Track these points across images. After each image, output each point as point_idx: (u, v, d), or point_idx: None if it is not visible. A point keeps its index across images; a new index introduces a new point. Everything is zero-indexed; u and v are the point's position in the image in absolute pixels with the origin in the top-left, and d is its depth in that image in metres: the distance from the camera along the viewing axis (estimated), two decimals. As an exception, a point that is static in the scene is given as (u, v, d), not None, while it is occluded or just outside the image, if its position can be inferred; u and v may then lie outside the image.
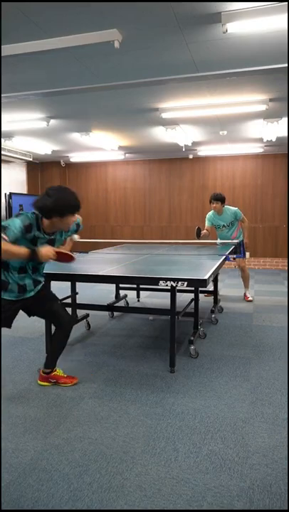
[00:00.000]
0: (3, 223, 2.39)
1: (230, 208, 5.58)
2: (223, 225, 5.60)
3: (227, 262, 4.43)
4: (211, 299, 5.45)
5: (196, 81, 4.41)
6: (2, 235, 2.32)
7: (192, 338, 3.59)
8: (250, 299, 5.76)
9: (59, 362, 3.02)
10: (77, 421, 2.45)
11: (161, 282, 2.89)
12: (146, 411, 2.57)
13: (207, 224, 5.69)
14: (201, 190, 9.74)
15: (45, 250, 2.47)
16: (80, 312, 4.31)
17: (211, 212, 5.68)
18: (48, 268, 3.02)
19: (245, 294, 5.85)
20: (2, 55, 3.58)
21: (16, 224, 2.41)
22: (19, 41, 3.51)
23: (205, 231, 5.49)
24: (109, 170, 10.39)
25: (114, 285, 5.20)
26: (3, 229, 2.35)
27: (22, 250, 2.41)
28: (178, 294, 3.33)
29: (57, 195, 2.48)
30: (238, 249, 5.05)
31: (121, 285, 5.20)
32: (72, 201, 2.52)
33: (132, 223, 10.27)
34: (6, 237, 2.33)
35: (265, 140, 7.44)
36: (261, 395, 2.80)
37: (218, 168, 9.61)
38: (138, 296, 5.71)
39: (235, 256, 5.08)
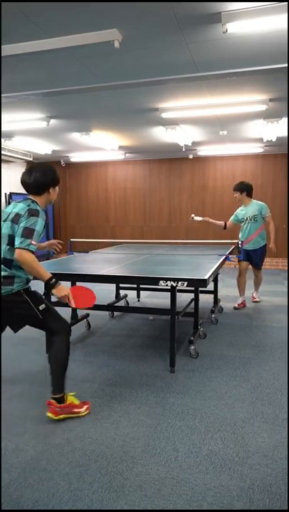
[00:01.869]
0: (33, 228, 2.27)
1: (259, 202, 5.31)
2: (247, 218, 5.24)
3: (227, 262, 4.41)
4: (211, 298, 5.45)
5: (196, 81, 4.41)
6: (32, 243, 2.24)
7: (192, 338, 3.59)
8: (256, 300, 5.68)
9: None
10: (78, 421, 2.45)
11: (161, 282, 2.89)
12: (146, 411, 2.57)
13: (231, 218, 5.43)
14: (201, 190, 9.73)
15: (63, 289, 2.40)
16: (81, 312, 4.31)
17: (240, 207, 5.40)
18: (48, 268, 2.99)
19: (252, 295, 5.74)
20: (2, 55, 3.58)
21: (41, 225, 2.33)
22: (19, 41, 3.51)
23: (221, 222, 5.40)
24: (109, 170, 10.39)
25: (114, 285, 5.20)
26: (32, 235, 2.25)
27: (45, 274, 2.32)
28: (178, 294, 3.33)
29: (46, 166, 2.53)
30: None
31: (121, 285, 5.21)
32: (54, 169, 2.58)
33: (132, 223, 10.27)
34: (34, 243, 2.26)
35: (265, 140, 7.44)
36: (261, 395, 2.80)
37: (218, 168, 9.61)
38: (138, 296, 5.71)
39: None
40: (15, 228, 2.32)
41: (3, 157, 8.55)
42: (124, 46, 3.53)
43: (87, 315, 4.42)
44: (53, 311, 2.49)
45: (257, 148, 8.58)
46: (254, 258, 5.35)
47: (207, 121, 6.36)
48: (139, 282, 4.22)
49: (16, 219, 2.33)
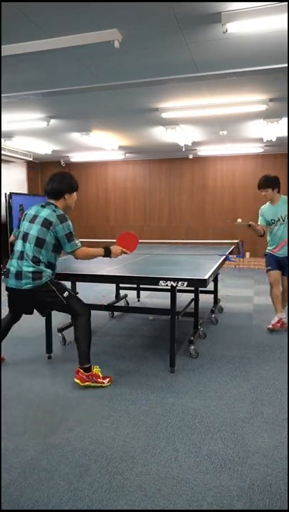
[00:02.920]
0: (70, 231, 2.80)
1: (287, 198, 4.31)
2: (279, 218, 4.25)
3: (227, 262, 4.41)
4: (211, 298, 5.44)
5: (196, 81, 4.41)
6: (77, 242, 2.83)
7: (192, 338, 3.59)
8: (285, 324, 4.28)
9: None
10: (78, 421, 2.45)
11: (161, 282, 2.89)
12: (146, 411, 2.57)
13: (259, 221, 4.39)
14: (201, 190, 9.73)
15: (116, 251, 3.00)
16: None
17: (265, 205, 4.41)
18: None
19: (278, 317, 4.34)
20: (2, 55, 3.58)
21: (72, 226, 2.84)
22: (19, 41, 3.51)
23: (260, 229, 4.33)
24: (109, 170, 10.39)
25: (114, 285, 5.20)
26: (73, 236, 2.82)
27: (99, 253, 2.96)
28: (178, 294, 3.33)
29: (64, 174, 3.00)
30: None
31: (121, 285, 5.21)
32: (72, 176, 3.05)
33: (132, 223, 10.27)
34: (77, 241, 2.84)
35: (265, 140, 7.44)
36: (261, 395, 2.80)
37: (218, 168, 9.61)
38: (138, 296, 5.71)
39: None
40: (45, 233, 2.78)
41: (3, 157, 8.55)
42: (124, 46, 3.53)
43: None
44: (74, 297, 2.98)
45: (257, 148, 8.58)
46: (287, 267, 4.30)
47: (207, 121, 6.36)
48: (139, 282, 4.22)
49: (46, 224, 2.78)
